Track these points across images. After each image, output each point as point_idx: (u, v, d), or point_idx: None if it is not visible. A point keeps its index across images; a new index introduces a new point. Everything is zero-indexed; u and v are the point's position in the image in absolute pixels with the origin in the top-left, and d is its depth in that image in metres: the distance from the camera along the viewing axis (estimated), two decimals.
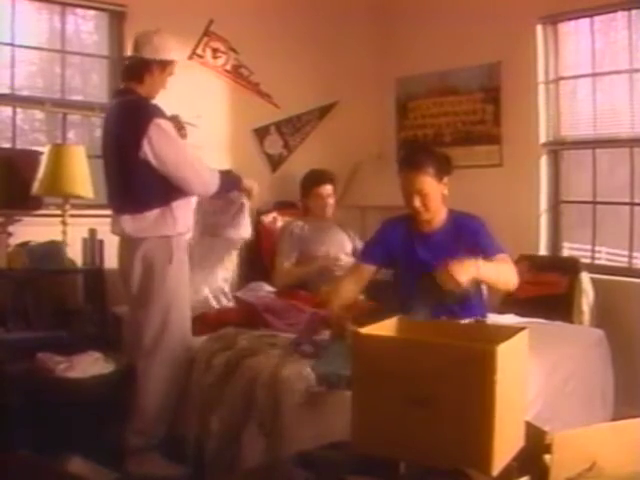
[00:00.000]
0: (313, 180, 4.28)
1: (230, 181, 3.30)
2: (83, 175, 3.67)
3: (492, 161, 4.40)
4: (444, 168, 2.94)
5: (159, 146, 2.96)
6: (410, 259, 2.93)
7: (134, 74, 3.08)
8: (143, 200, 3.04)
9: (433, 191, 2.90)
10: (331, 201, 4.26)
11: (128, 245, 3.13)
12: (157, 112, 3.02)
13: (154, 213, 3.05)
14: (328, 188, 4.24)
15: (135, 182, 3.04)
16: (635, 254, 3.93)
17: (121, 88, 3.22)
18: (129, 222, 3.06)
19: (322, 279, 3.87)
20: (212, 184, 3.15)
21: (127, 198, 3.08)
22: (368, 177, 4.76)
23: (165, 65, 3.09)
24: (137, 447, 3.09)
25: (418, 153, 3.02)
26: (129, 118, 3.02)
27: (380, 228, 3.13)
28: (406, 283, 2.97)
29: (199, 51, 4.39)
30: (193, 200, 3.30)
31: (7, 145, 3.87)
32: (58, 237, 3.65)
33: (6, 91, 3.85)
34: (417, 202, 2.89)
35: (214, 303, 3.69)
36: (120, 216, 3.10)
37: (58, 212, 3.68)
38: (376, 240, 3.10)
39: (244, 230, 3.60)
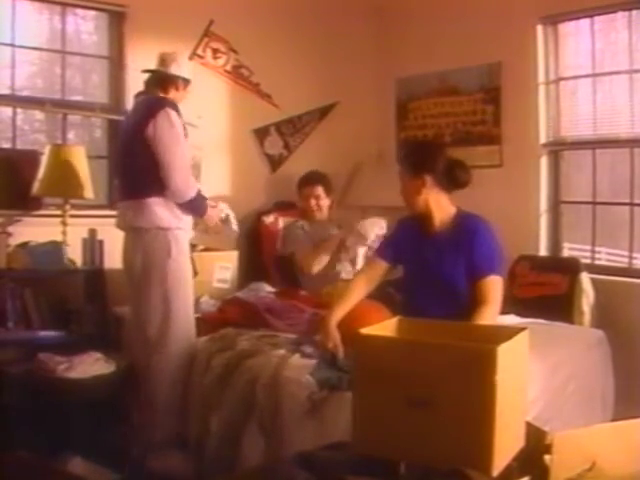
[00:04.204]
0: (302, 181, 4.31)
1: (201, 204, 3.32)
2: (83, 175, 3.67)
3: (492, 161, 4.40)
4: (425, 163, 2.88)
5: (161, 128, 3.10)
6: (416, 260, 2.92)
7: (159, 85, 3.29)
8: (143, 184, 3.12)
9: (406, 182, 2.90)
10: (321, 202, 4.24)
11: (131, 237, 3.22)
12: (173, 106, 3.20)
13: (153, 202, 3.12)
14: (316, 189, 4.23)
15: (137, 164, 3.14)
16: (635, 254, 3.93)
17: (143, 90, 3.34)
18: (131, 210, 3.16)
19: (322, 281, 3.88)
20: (191, 189, 3.19)
21: (130, 182, 3.19)
22: (368, 177, 4.76)
23: (187, 83, 3.35)
24: (155, 442, 3.12)
25: (408, 145, 2.98)
26: (146, 106, 3.21)
27: (395, 226, 3.14)
28: (412, 284, 2.97)
29: (199, 51, 4.39)
30: None
31: (7, 145, 3.87)
32: (58, 237, 3.65)
33: (6, 91, 3.85)
34: (400, 191, 2.93)
35: None
36: (124, 203, 3.21)
37: (58, 212, 3.68)
38: (390, 238, 3.13)
39: None
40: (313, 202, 4.23)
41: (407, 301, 2.98)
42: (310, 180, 4.28)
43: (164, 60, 3.30)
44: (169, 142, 3.10)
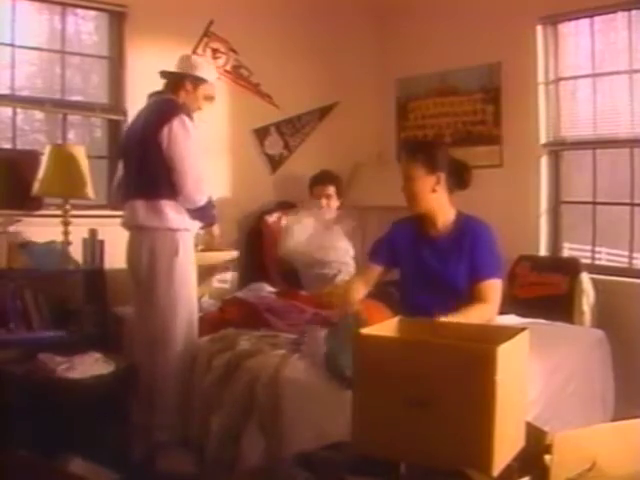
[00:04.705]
0: (315, 179, 4.39)
1: (210, 212, 3.35)
2: (83, 175, 3.67)
3: (492, 161, 4.40)
4: (440, 161, 2.89)
5: (175, 135, 3.10)
6: (415, 262, 2.92)
7: (170, 87, 3.30)
8: (156, 186, 3.12)
9: (419, 179, 2.86)
10: (331, 202, 4.34)
11: (137, 236, 3.21)
12: (187, 112, 3.20)
13: (165, 204, 3.12)
14: (329, 189, 4.33)
15: (150, 166, 3.13)
16: (635, 254, 3.93)
17: (157, 91, 3.34)
18: (142, 209, 3.15)
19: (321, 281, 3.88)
20: (202, 195, 3.21)
21: (141, 182, 3.17)
22: (368, 177, 4.77)
23: (198, 83, 3.31)
24: (162, 443, 3.12)
25: (417, 142, 2.96)
26: (160, 108, 3.20)
27: (389, 228, 3.13)
28: (411, 285, 2.97)
29: (199, 51, 4.38)
30: None
31: (7, 145, 3.87)
32: (58, 237, 3.65)
33: (6, 91, 3.85)
34: (405, 189, 2.89)
35: None
36: (133, 202, 3.18)
37: (58, 212, 3.68)
38: (384, 240, 3.11)
39: None
40: (324, 201, 4.33)
41: (407, 302, 2.98)
42: (324, 179, 4.37)
43: (178, 61, 3.33)
44: (183, 149, 3.11)
